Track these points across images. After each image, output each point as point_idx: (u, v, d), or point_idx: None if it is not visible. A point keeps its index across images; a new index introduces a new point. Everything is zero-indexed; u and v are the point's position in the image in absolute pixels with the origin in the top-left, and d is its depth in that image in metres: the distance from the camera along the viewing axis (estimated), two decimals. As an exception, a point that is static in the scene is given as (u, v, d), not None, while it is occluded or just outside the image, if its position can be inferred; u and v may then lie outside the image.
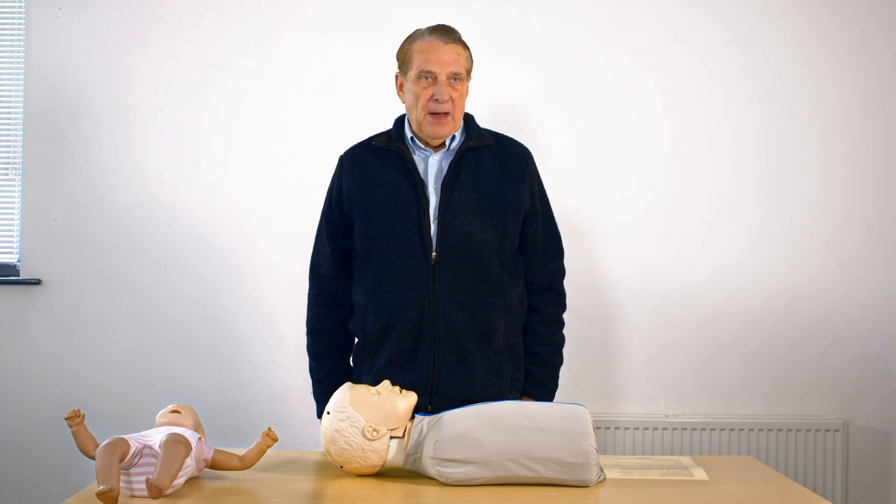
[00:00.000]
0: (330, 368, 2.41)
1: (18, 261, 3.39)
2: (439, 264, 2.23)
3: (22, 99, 3.39)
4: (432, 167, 2.30)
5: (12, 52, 3.41)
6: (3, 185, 3.42)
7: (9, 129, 3.41)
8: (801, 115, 3.35)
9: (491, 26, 3.34)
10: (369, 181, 2.30)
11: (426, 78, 2.23)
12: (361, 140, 2.43)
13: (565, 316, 2.48)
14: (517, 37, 3.35)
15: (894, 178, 3.35)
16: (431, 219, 2.25)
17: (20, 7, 3.41)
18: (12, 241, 3.42)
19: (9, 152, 3.41)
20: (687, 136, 3.36)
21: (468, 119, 2.37)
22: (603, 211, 3.34)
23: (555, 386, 2.43)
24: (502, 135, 2.41)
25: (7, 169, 3.41)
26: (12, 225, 3.42)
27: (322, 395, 2.34)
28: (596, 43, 3.35)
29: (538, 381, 2.38)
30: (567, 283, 2.49)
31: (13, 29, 3.41)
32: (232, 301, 3.35)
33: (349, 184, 2.33)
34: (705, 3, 3.35)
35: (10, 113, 3.41)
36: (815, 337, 3.35)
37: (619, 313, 3.34)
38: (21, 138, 3.39)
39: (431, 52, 2.23)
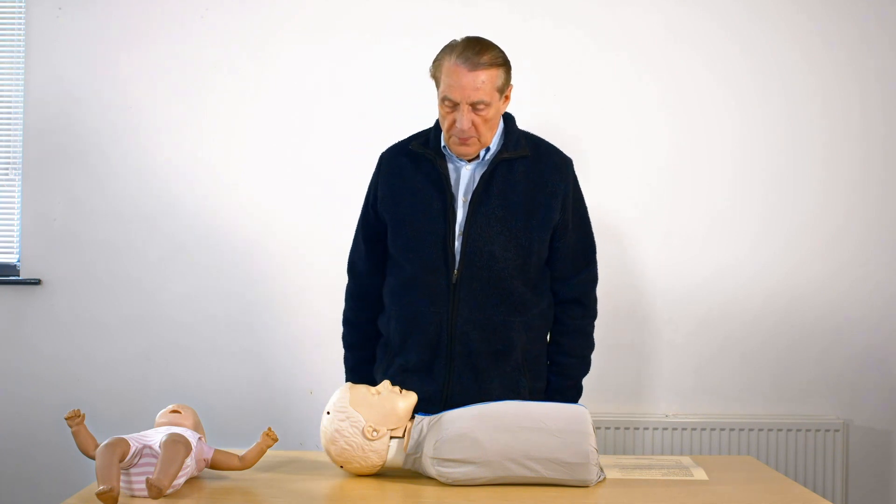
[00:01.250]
0: (361, 358, 2.41)
1: (18, 261, 3.39)
2: (460, 282, 2.20)
3: (22, 99, 3.38)
4: (464, 178, 2.24)
5: (12, 52, 3.41)
6: (3, 185, 3.42)
7: (9, 130, 3.41)
8: (802, 115, 3.35)
9: (491, 26, 3.33)
10: (402, 188, 2.27)
11: (448, 106, 2.16)
12: (402, 139, 2.37)
13: None
14: (517, 37, 3.34)
15: (894, 178, 3.35)
16: (457, 234, 2.21)
17: (20, 7, 3.41)
18: (12, 241, 3.42)
19: (9, 152, 3.41)
20: (687, 136, 3.36)
21: (507, 123, 2.29)
22: (603, 211, 3.34)
23: (576, 395, 2.38)
24: (542, 142, 2.34)
25: (7, 169, 3.41)
26: (12, 225, 3.42)
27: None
28: (596, 43, 3.35)
29: (558, 391, 2.34)
30: (594, 328, 2.48)
31: (13, 29, 3.41)
32: (232, 301, 3.35)
33: (384, 188, 2.31)
34: (705, 3, 3.35)
35: (10, 113, 3.41)
36: (815, 337, 3.35)
37: (620, 313, 3.33)
38: (21, 138, 3.39)
39: (454, 79, 2.13)
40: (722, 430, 3.27)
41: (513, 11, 3.34)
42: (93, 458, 1.76)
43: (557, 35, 3.34)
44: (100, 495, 1.64)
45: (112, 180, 3.36)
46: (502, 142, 2.26)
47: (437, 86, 2.20)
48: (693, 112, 3.35)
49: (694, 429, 3.28)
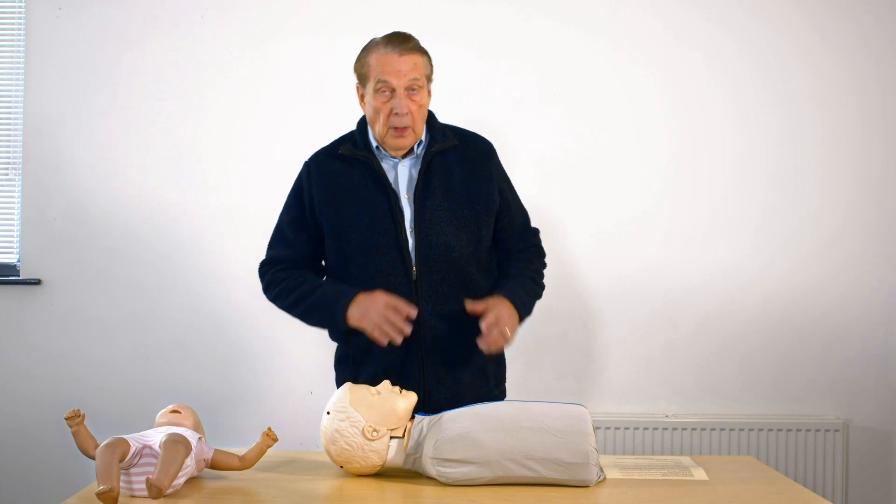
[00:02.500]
0: (316, 279, 2.30)
1: (18, 261, 3.39)
2: (420, 278, 2.21)
3: (22, 99, 3.39)
4: (402, 175, 2.26)
5: (12, 52, 3.41)
6: (3, 186, 3.42)
7: (9, 129, 3.41)
8: (801, 114, 3.35)
9: (491, 26, 3.34)
10: (340, 194, 2.26)
11: (384, 91, 2.19)
12: (326, 145, 2.36)
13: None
14: (517, 37, 3.35)
15: (894, 178, 3.35)
16: (408, 231, 2.22)
17: (20, 7, 3.41)
18: (12, 241, 3.42)
19: (9, 152, 3.41)
20: (687, 136, 3.36)
21: (429, 118, 2.31)
22: (603, 211, 3.34)
23: (522, 294, 2.28)
24: (464, 130, 2.37)
25: (7, 169, 3.41)
26: (12, 225, 3.42)
27: (321, 296, 2.24)
28: (596, 43, 3.34)
29: (503, 286, 2.28)
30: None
31: (13, 29, 3.41)
32: (232, 301, 3.35)
33: (319, 195, 2.27)
34: (705, 3, 3.35)
35: (10, 113, 3.41)
36: (815, 337, 3.35)
37: (619, 313, 3.34)
38: (21, 138, 3.39)
39: (387, 65, 2.18)
40: (722, 430, 3.27)
41: (513, 11, 3.34)
42: (93, 458, 1.76)
43: (557, 35, 3.34)
44: (100, 495, 1.64)
45: (112, 180, 3.36)
46: (429, 135, 2.29)
47: (365, 81, 2.23)
48: (693, 112, 3.35)
49: (694, 429, 3.28)
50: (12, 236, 3.42)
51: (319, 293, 2.25)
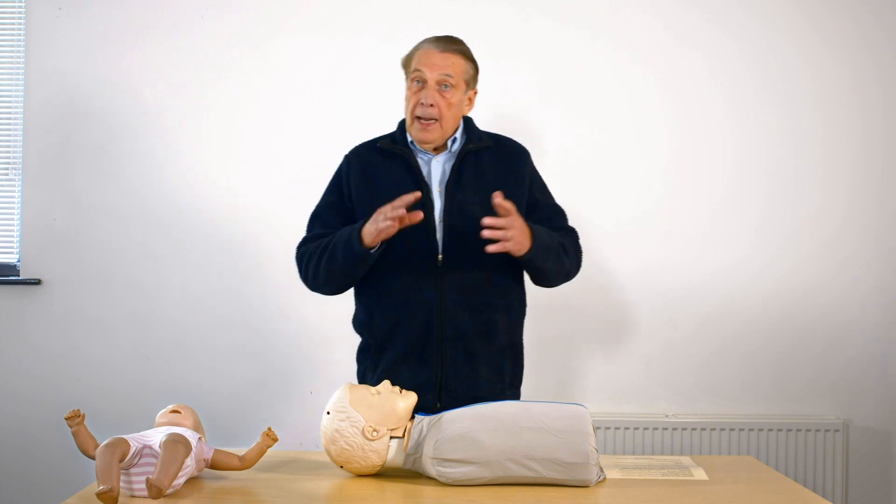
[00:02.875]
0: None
1: (18, 261, 3.39)
2: (445, 266, 2.27)
3: (22, 99, 3.39)
4: (435, 170, 2.34)
5: (12, 52, 3.41)
6: (3, 185, 3.42)
7: (9, 129, 3.41)
8: (801, 114, 3.35)
9: (491, 26, 3.34)
10: (375, 183, 2.34)
11: (417, 82, 2.28)
12: (366, 140, 2.45)
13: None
14: (517, 37, 3.35)
15: (894, 178, 3.35)
16: (437, 221, 2.29)
17: (20, 7, 3.41)
18: (12, 241, 3.42)
19: (9, 152, 3.41)
20: (687, 136, 3.36)
21: (468, 123, 2.41)
22: (603, 211, 3.34)
23: (546, 237, 2.28)
24: (500, 135, 2.46)
25: (7, 169, 3.41)
26: (12, 225, 3.42)
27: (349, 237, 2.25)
28: (596, 43, 3.35)
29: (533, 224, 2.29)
30: (567, 283, 2.48)
31: (13, 29, 3.42)
32: (232, 301, 3.35)
33: (357, 183, 2.36)
34: (705, 3, 3.35)
35: (10, 113, 3.41)
36: (815, 337, 3.35)
37: (619, 313, 3.34)
38: (21, 138, 3.39)
39: (425, 57, 2.28)
40: (722, 430, 3.27)
41: (513, 11, 3.34)
42: (93, 458, 1.75)
43: (557, 35, 3.34)
44: (100, 495, 1.64)
45: (112, 180, 3.36)
46: (466, 136, 2.38)
47: (406, 73, 2.34)
48: (693, 112, 3.35)
49: (694, 429, 3.28)
50: (12, 236, 3.42)
51: (336, 237, 2.29)
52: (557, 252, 2.33)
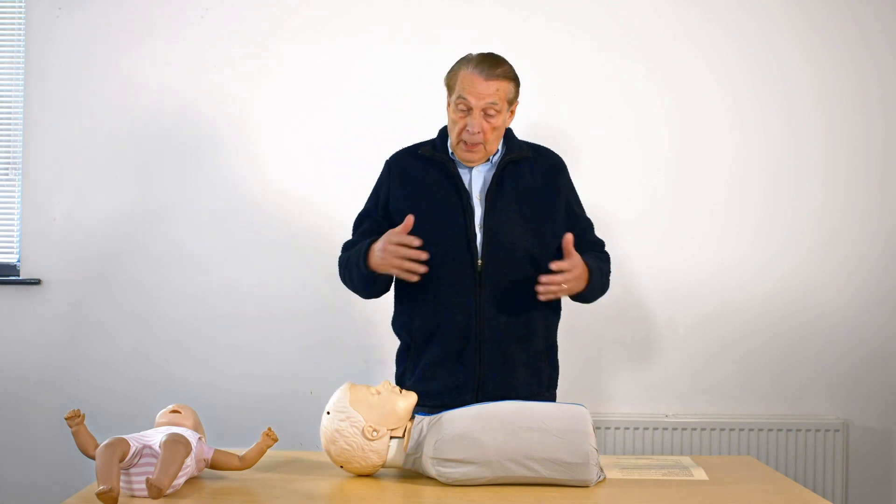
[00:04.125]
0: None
1: (18, 261, 3.39)
2: (484, 271, 2.31)
3: (22, 99, 3.38)
4: (476, 179, 2.37)
5: (12, 52, 3.41)
6: (3, 185, 3.42)
7: (9, 129, 3.41)
8: (801, 114, 3.35)
9: (491, 26, 3.34)
10: (416, 188, 2.38)
11: (462, 108, 2.30)
12: (408, 146, 2.48)
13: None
14: (517, 37, 3.35)
15: (894, 178, 3.35)
16: (477, 228, 2.32)
17: (20, 7, 3.41)
18: (12, 241, 3.42)
19: (9, 152, 3.41)
20: (687, 136, 3.36)
21: (507, 133, 2.43)
22: (603, 211, 3.34)
23: (601, 270, 2.40)
24: (538, 145, 2.50)
25: (7, 169, 3.41)
26: (12, 225, 3.42)
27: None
28: (596, 43, 3.35)
29: (590, 258, 2.38)
30: (611, 268, 2.53)
31: (13, 29, 3.41)
32: (232, 300, 3.35)
33: (397, 188, 2.40)
34: (705, 3, 3.35)
35: (10, 113, 3.41)
36: (815, 337, 3.35)
37: (620, 313, 3.34)
38: (21, 138, 3.39)
39: (470, 85, 2.28)
40: (722, 430, 3.28)
41: (513, 11, 3.34)
42: (93, 458, 1.75)
43: (557, 35, 3.34)
44: (100, 495, 1.64)
45: (112, 180, 3.36)
46: (506, 147, 2.41)
47: (450, 93, 2.35)
48: (693, 112, 3.35)
49: (694, 429, 3.28)
50: (12, 236, 3.42)
51: (353, 252, 2.36)
52: (604, 283, 2.44)
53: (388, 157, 2.48)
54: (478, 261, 2.31)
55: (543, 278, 2.24)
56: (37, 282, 3.35)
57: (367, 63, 3.35)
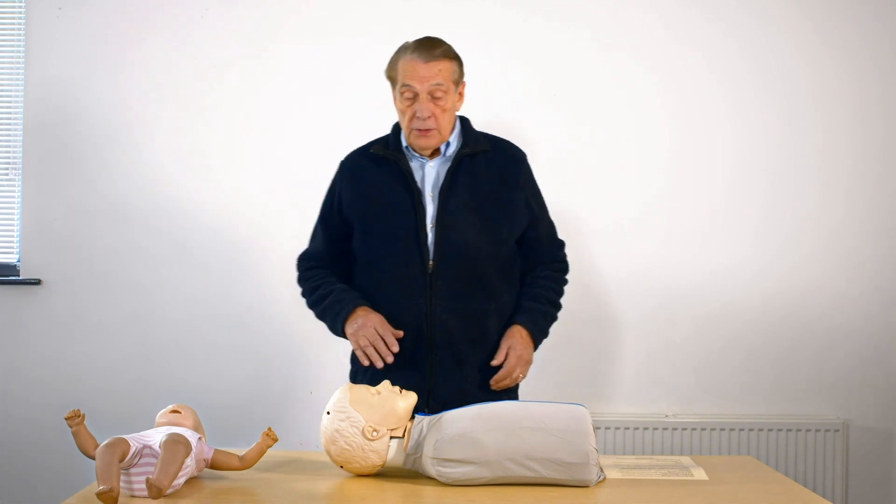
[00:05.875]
0: (338, 282, 2.38)
1: (18, 261, 3.39)
2: (436, 272, 2.27)
3: (22, 99, 3.39)
4: (429, 175, 2.33)
5: (12, 52, 3.41)
6: (3, 185, 3.42)
7: (9, 129, 3.41)
8: (801, 114, 3.35)
9: (491, 27, 3.34)
10: (367, 190, 2.35)
11: (408, 96, 2.26)
12: (362, 145, 2.45)
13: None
14: (517, 37, 3.35)
15: (894, 178, 3.35)
16: (428, 227, 2.28)
17: (20, 7, 3.41)
18: (12, 241, 3.42)
19: (9, 152, 3.41)
20: (687, 136, 3.36)
21: (464, 123, 2.39)
22: (603, 211, 3.34)
23: (542, 324, 2.39)
24: (498, 137, 2.43)
25: (7, 169, 3.41)
26: (12, 225, 3.42)
27: (338, 301, 2.32)
28: (596, 43, 3.35)
29: (525, 310, 2.36)
30: (567, 283, 2.50)
31: (13, 29, 3.42)
32: (232, 301, 3.35)
33: (348, 191, 2.37)
34: (705, 3, 3.35)
35: (10, 113, 3.41)
36: (815, 337, 3.35)
37: (620, 313, 3.34)
38: (21, 138, 3.39)
39: (412, 70, 2.25)
40: (722, 430, 3.28)
41: (513, 11, 3.34)
42: (93, 458, 1.75)
43: (557, 35, 3.34)
44: (100, 495, 1.64)
45: (112, 180, 3.36)
46: (462, 139, 2.36)
47: (394, 85, 2.32)
48: (693, 112, 3.35)
49: (694, 429, 3.28)
50: (12, 236, 3.42)
51: (329, 301, 2.35)
52: (552, 320, 2.43)
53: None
54: (429, 261, 2.26)
55: (493, 381, 2.27)
56: (37, 282, 3.35)
57: (367, 63, 3.33)
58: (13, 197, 3.41)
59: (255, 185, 3.35)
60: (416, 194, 2.28)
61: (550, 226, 2.48)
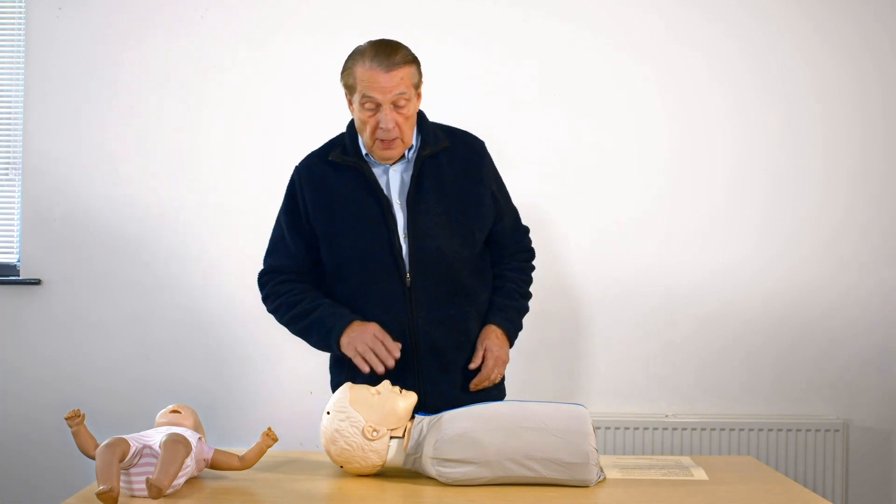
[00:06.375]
0: (323, 296, 2.28)
1: (18, 261, 3.39)
2: (414, 283, 2.21)
3: (22, 98, 3.39)
4: (394, 180, 2.25)
5: (12, 52, 3.41)
6: (3, 185, 3.42)
7: (9, 129, 3.41)
8: (802, 114, 3.35)
9: (491, 26, 3.34)
10: (330, 200, 2.25)
11: (369, 107, 2.16)
12: (315, 150, 2.35)
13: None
14: (518, 36, 3.35)
15: (894, 178, 3.35)
16: (402, 237, 2.21)
17: (20, 7, 3.41)
18: (12, 241, 3.42)
19: (9, 152, 3.41)
20: (687, 136, 3.36)
21: (419, 119, 2.29)
22: (603, 211, 3.34)
23: (517, 321, 2.36)
24: (454, 129, 2.35)
25: (7, 169, 3.41)
26: (12, 225, 3.42)
27: (322, 317, 2.23)
28: (596, 42, 3.35)
29: (498, 308, 2.33)
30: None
31: (13, 29, 3.42)
32: (232, 301, 3.35)
33: (312, 200, 2.27)
34: (705, 3, 3.35)
35: (10, 113, 3.41)
36: (814, 337, 3.34)
37: (620, 313, 3.34)
38: (21, 138, 3.39)
39: (373, 81, 2.14)
40: (722, 430, 3.27)
41: (513, 10, 3.34)
42: (93, 458, 1.76)
43: (557, 34, 3.34)
44: (100, 495, 1.64)
45: (112, 180, 3.36)
46: (420, 138, 2.27)
47: (351, 92, 2.21)
48: (693, 111, 3.35)
49: (694, 429, 3.28)
50: (12, 236, 3.42)
51: (316, 315, 2.25)
52: (524, 311, 2.39)
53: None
54: (406, 275, 2.20)
55: (472, 385, 2.25)
56: (37, 282, 3.35)
57: (367, 63, 3.34)
58: (13, 197, 3.41)
59: (255, 185, 3.35)
60: (385, 204, 2.21)
61: (514, 214, 2.42)
